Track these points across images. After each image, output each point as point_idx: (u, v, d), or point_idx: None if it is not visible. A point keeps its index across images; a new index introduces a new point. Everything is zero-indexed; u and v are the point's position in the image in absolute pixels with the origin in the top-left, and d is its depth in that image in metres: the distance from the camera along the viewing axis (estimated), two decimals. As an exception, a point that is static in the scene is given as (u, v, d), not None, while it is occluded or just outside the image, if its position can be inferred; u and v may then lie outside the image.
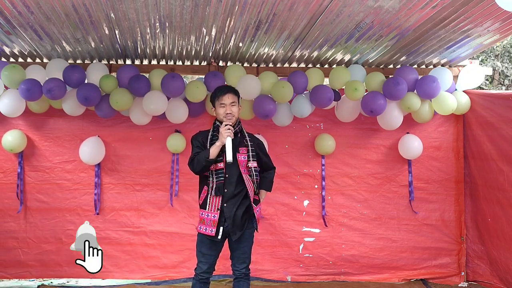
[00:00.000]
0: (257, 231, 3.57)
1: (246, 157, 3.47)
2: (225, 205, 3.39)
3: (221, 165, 3.40)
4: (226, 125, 3.35)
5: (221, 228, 3.40)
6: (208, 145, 3.44)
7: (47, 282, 5.02)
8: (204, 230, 3.43)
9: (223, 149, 3.35)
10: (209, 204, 3.41)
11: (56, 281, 5.03)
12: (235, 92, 3.52)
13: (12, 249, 4.93)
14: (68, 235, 4.97)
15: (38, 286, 4.87)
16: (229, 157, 3.29)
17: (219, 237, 3.39)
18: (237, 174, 3.42)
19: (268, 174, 3.67)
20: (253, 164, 3.48)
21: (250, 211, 3.48)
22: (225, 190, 3.39)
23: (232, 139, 3.33)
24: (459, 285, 5.13)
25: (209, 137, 3.48)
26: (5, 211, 4.93)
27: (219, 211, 3.38)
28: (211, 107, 3.58)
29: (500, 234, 4.67)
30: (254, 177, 3.48)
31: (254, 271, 4.97)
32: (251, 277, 4.96)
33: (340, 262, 5.14)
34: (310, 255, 5.12)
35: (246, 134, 3.57)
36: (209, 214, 3.41)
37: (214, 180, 3.39)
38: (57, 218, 4.97)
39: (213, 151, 3.33)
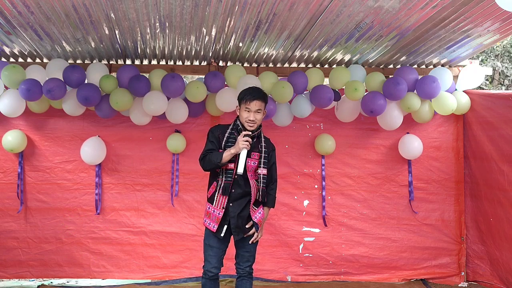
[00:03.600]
0: (257, 232, 3.50)
1: (256, 162, 3.43)
2: (230, 204, 3.39)
3: (231, 165, 3.37)
4: (245, 135, 3.30)
5: (225, 227, 3.40)
6: (223, 142, 3.40)
7: (47, 282, 5.02)
8: (208, 224, 3.45)
9: (236, 155, 3.33)
10: (216, 200, 3.41)
11: (56, 281, 5.03)
12: (264, 99, 3.41)
13: (12, 249, 4.94)
14: (68, 235, 4.97)
15: (38, 286, 4.87)
16: (240, 169, 3.28)
17: (222, 235, 3.40)
18: (245, 177, 3.40)
19: (271, 190, 3.59)
20: (262, 171, 3.44)
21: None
22: (232, 191, 3.39)
23: (247, 150, 3.30)
24: (459, 285, 5.13)
25: (226, 134, 3.43)
26: (5, 211, 4.93)
27: (223, 210, 3.39)
28: (236, 105, 3.50)
29: (502, 234, 4.67)
30: (261, 184, 3.44)
31: (254, 271, 4.94)
32: (251, 277, 4.95)
33: (340, 262, 5.14)
34: (310, 255, 5.12)
35: (263, 139, 3.51)
36: (215, 210, 3.41)
37: (223, 178, 3.39)
38: (57, 218, 4.98)
39: (226, 157, 3.31)
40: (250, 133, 3.35)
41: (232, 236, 3.50)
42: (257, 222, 3.46)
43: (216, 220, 3.39)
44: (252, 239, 3.46)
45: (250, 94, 3.38)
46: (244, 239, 3.48)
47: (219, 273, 3.51)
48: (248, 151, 3.33)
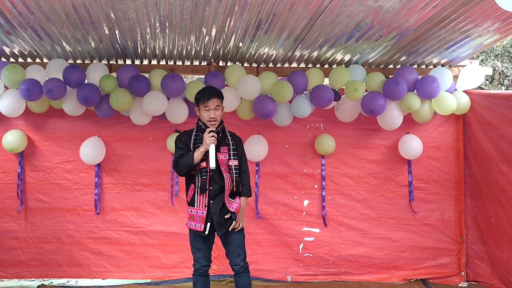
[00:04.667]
0: (235, 221, 3.54)
1: (227, 156, 3.57)
2: (211, 202, 3.51)
3: (204, 164, 3.51)
4: (210, 131, 3.45)
5: (208, 224, 3.50)
6: (191, 145, 3.55)
7: (47, 282, 5.02)
8: (193, 226, 3.56)
9: (206, 152, 3.47)
10: (197, 201, 3.53)
11: (56, 281, 5.03)
12: (220, 96, 3.60)
13: (12, 249, 4.94)
14: (68, 235, 4.97)
15: (38, 286, 4.88)
16: (212, 164, 3.41)
17: (206, 232, 3.50)
18: (220, 171, 3.53)
19: (244, 179, 3.66)
20: (233, 162, 3.59)
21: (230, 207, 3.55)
22: (210, 188, 3.51)
23: (215, 145, 3.45)
24: (459, 285, 5.13)
25: (192, 137, 3.59)
26: (5, 211, 4.93)
27: (207, 208, 3.50)
28: (195, 107, 3.65)
29: (502, 234, 4.67)
30: (234, 175, 3.57)
31: (254, 271, 4.97)
32: (251, 277, 4.96)
33: (340, 262, 5.14)
34: (310, 255, 5.12)
35: (228, 133, 3.67)
36: (198, 211, 3.53)
37: (199, 178, 3.52)
38: (57, 218, 4.98)
39: (197, 156, 3.46)
40: (214, 129, 3.50)
41: (216, 234, 3.59)
42: (234, 211, 3.54)
43: (201, 220, 3.51)
44: (231, 226, 3.53)
45: (206, 94, 3.56)
46: (228, 234, 3.57)
47: (209, 269, 3.66)
48: (216, 146, 3.48)
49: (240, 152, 3.67)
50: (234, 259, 3.59)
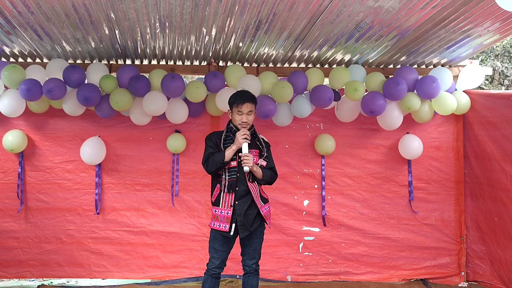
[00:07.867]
0: (269, 226, 3.69)
1: (256, 159, 3.59)
2: (236, 202, 3.50)
3: (233, 163, 3.51)
4: (244, 133, 3.46)
5: (233, 225, 3.49)
6: (221, 144, 3.55)
7: (47, 282, 5.03)
8: (217, 226, 3.52)
9: (237, 151, 3.49)
10: (222, 201, 3.52)
11: (56, 281, 5.03)
12: (254, 101, 3.61)
13: (13, 249, 4.94)
14: (68, 235, 4.98)
15: (38, 286, 4.88)
16: (246, 167, 3.44)
17: (231, 233, 3.48)
18: (248, 173, 3.53)
19: (269, 171, 3.66)
20: (262, 162, 3.61)
21: (259, 210, 3.57)
22: (237, 188, 3.50)
23: (248, 144, 3.48)
24: (459, 285, 5.13)
25: (222, 137, 3.60)
26: (5, 211, 4.94)
27: (232, 208, 3.49)
28: (228, 109, 3.66)
29: (505, 234, 4.66)
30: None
31: (254, 271, 4.97)
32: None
33: (339, 261, 5.14)
34: (310, 254, 5.12)
35: (258, 137, 3.70)
36: (223, 211, 3.51)
37: (227, 178, 3.51)
38: (57, 218, 4.98)
39: (228, 154, 3.47)
40: (248, 131, 3.53)
41: (237, 236, 3.59)
42: (263, 215, 3.59)
43: (226, 220, 3.50)
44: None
45: (240, 98, 3.56)
46: (250, 237, 3.57)
47: (221, 272, 3.64)
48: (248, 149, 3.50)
49: (269, 155, 3.69)
50: (248, 260, 3.62)
